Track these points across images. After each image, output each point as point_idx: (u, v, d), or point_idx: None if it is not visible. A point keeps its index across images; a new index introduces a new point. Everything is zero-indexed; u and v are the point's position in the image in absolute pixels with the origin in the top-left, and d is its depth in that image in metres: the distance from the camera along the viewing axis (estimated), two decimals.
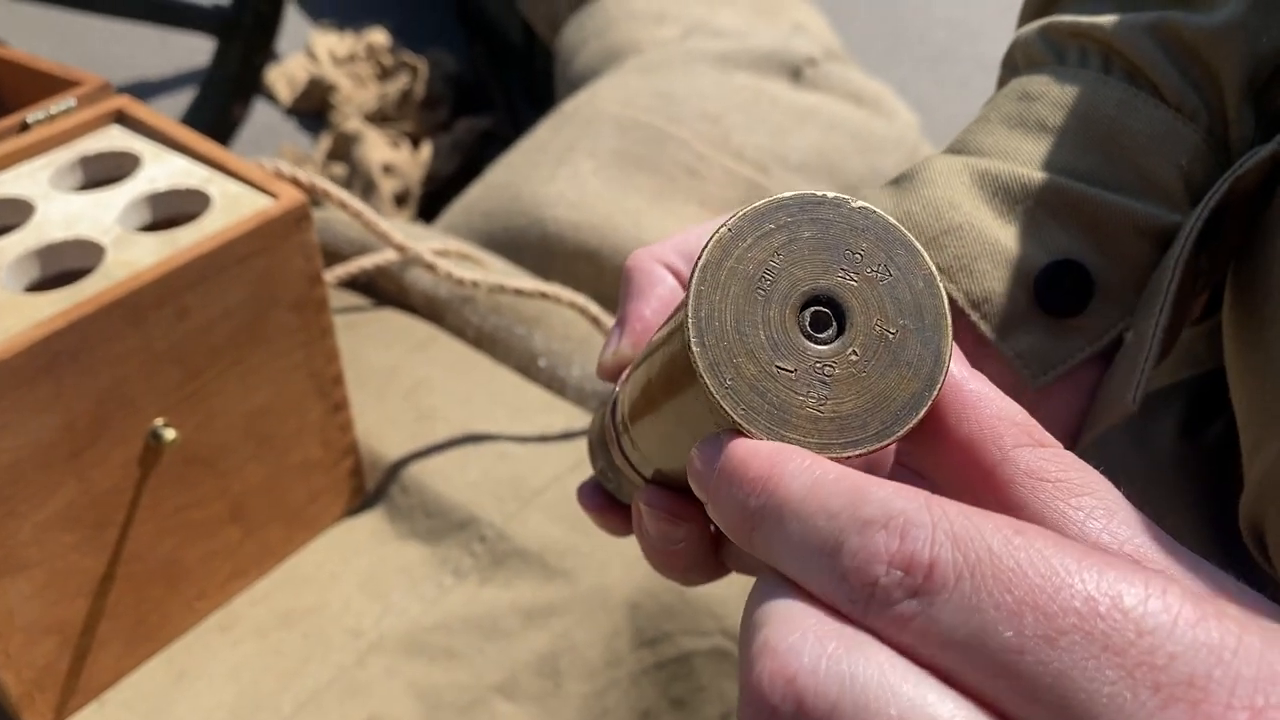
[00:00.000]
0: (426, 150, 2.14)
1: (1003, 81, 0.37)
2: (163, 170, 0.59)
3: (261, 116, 2.28)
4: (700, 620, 0.66)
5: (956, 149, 0.34)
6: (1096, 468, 0.37)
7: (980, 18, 2.51)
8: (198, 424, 0.56)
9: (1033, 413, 0.24)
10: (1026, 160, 0.31)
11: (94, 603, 0.56)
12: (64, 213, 0.56)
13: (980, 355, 0.29)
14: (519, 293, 0.70)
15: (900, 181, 0.32)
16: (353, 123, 2.15)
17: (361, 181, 1.84)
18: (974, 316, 0.28)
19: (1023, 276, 0.28)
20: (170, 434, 0.54)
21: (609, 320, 0.75)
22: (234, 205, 0.56)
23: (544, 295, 0.71)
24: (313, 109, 2.42)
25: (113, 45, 2.51)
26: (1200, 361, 0.41)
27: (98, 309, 0.50)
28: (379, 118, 2.23)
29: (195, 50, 2.47)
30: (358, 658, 0.60)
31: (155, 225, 0.58)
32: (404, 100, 2.24)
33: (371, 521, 0.68)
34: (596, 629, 0.62)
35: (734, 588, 0.69)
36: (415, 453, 0.70)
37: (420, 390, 0.75)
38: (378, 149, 2.06)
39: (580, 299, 0.73)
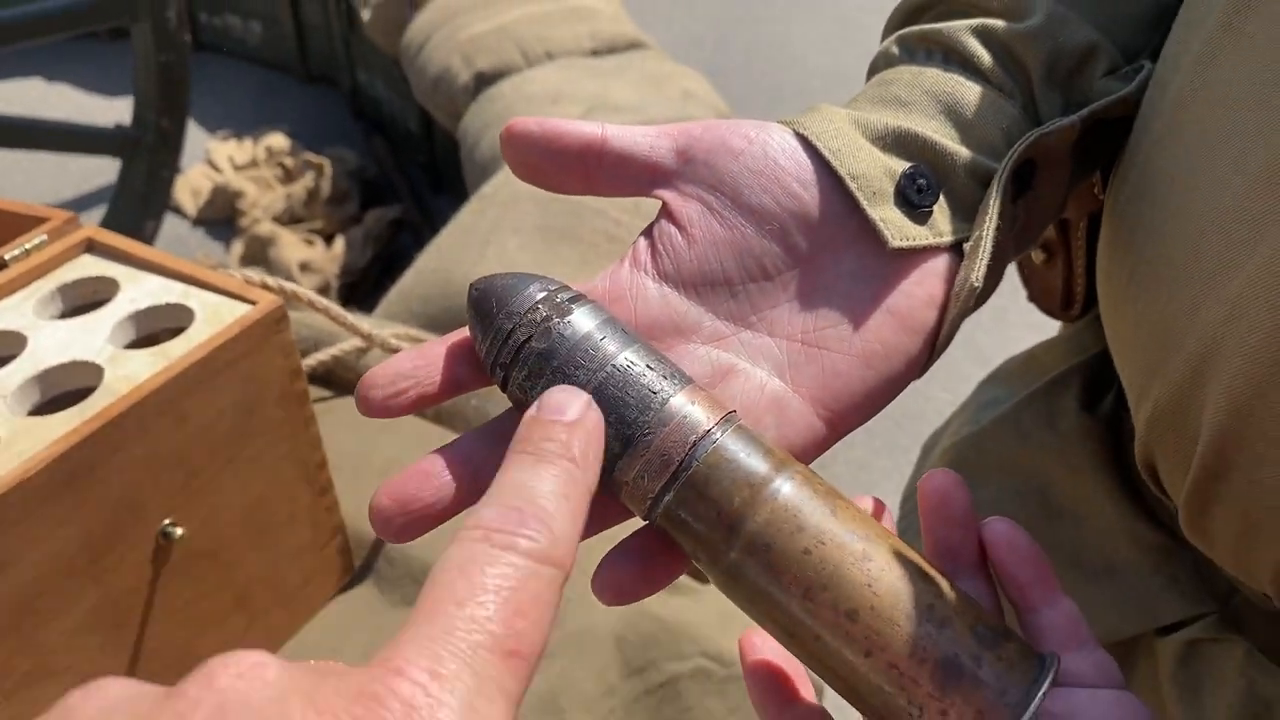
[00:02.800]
0: (340, 244, 2.18)
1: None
2: (141, 290, 0.64)
3: (170, 229, 2.30)
4: (680, 645, 0.72)
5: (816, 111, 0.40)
6: (1017, 437, 0.45)
7: (851, 65, 2.67)
8: (202, 520, 0.60)
9: (898, 281, 0.32)
10: (885, 109, 0.38)
11: None
12: (55, 339, 0.61)
13: (849, 219, 0.34)
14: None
15: (804, 116, 0.38)
16: (264, 225, 2.19)
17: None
18: (851, 186, 0.34)
19: (890, 175, 0.35)
20: (178, 531, 0.59)
21: None
22: (215, 315, 0.61)
23: None
24: (220, 216, 2.45)
25: (12, 174, 2.51)
26: (1087, 347, 0.48)
27: (107, 422, 0.54)
28: (288, 218, 2.27)
29: (95, 171, 2.49)
30: None
31: (139, 342, 0.62)
32: (311, 199, 2.29)
33: (364, 595, 0.72)
34: (589, 665, 0.68)
35: (709, 614, 0.75)
36: None
37: (393, 468, 0.80)
38: (292, 248, 2.10)
39: None
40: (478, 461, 0.30)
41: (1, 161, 2.50)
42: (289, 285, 0.66)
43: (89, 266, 0.66)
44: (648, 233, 0.34)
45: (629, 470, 0.30)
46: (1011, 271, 0.46)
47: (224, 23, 3.06)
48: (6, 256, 0.65)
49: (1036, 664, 0.28)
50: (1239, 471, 0.31)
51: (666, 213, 0.34)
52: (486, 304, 0.32)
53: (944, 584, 0.29)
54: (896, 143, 0.36)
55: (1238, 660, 0.37)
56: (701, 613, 0.74)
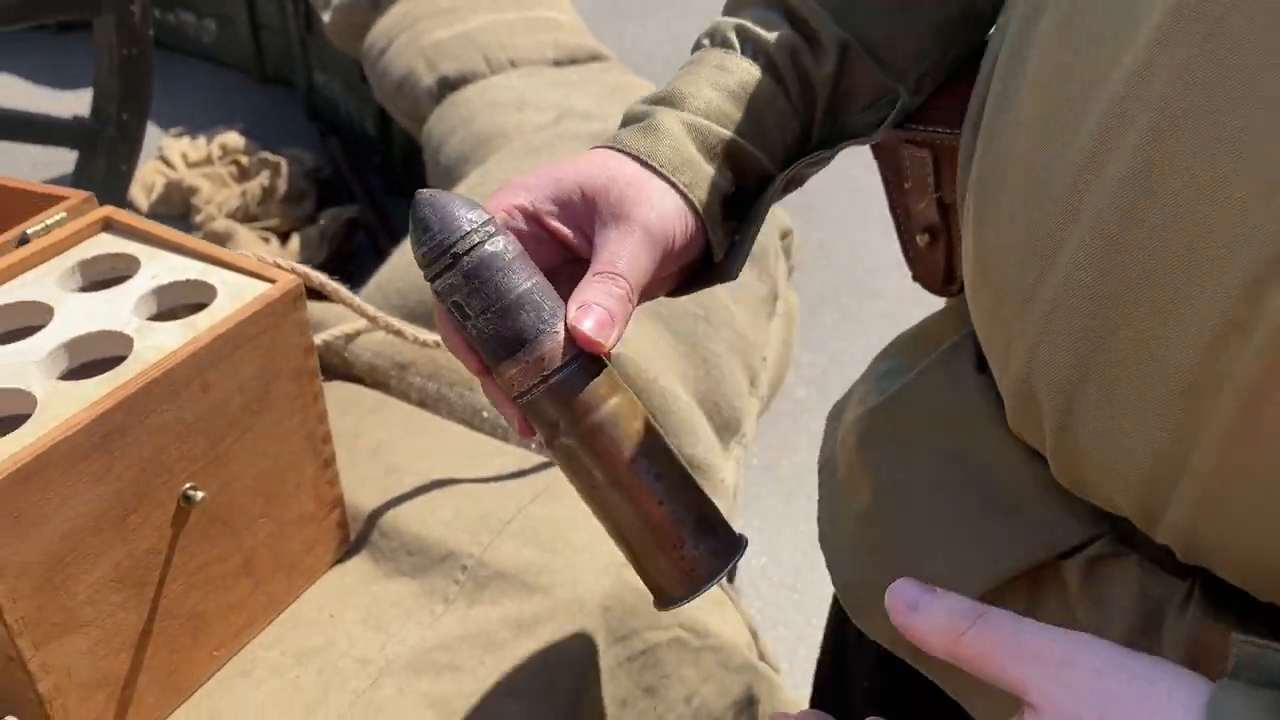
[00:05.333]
0: (295, 243, 2.20)
1: (700, 44, 0.54)
2: (161, 267, 0.67)
3: None
4: (659, 616, 0.76)
5: (673, 101, 0.50)
6: (924, 401, 0.51)
7: None
8: (219, 485, 0.64)
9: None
10: (717, 116, 0.50)
11: (135, 657, 0.62)
12: (82, 310, 0.64)
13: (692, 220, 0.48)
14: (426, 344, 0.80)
15: (645, 131, 0.49)
16: (220, 222, 2.20)
17: None
18: (698, 205, 0.48)
19: (721, 195, 0.49)
20: (198, 495, 0.62)
21: None
22: (236, 292, 0.65)
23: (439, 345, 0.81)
24: (173, 212, 2.44)
25: None
26: (969, 319, 0.55)
27: (140, 388, 0.57)
28: (243, 215, 2.28)
29: (45, 163, 2.46)
30: (371, 682, 0.68)
31: (160, 316, 0.65)
32: (266, 197, 2.30)
33: (359, 566, 0.76)
34: (576, 632, 0.72)
35: None
36: (389, 502, 0.78)
37: (383, 449, 0.83)
38: (249, 245, 2.11)
39: None
40: None
41: None
42: (300, 267, 0.70)
43: (107, 244, 0.69)
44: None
45: (512, 367, 0.43)
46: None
47: (178, 20, 3.05)
48: (28, 232, 0.68)
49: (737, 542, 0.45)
50: (1082, 429, 0.38)
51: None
52: (428, 217, 0.42)
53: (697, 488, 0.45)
54: (721, 155, 0.49)
55: (1131, 569, 0.43)
56: None
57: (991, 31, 0.48)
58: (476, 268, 0.42)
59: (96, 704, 0.61)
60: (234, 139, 2.52)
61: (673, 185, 0.47)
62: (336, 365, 0.92)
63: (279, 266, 0.69)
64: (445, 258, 0.42)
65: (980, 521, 0.47)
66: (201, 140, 2.54)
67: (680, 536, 0.43)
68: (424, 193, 0.43)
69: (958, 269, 0.56)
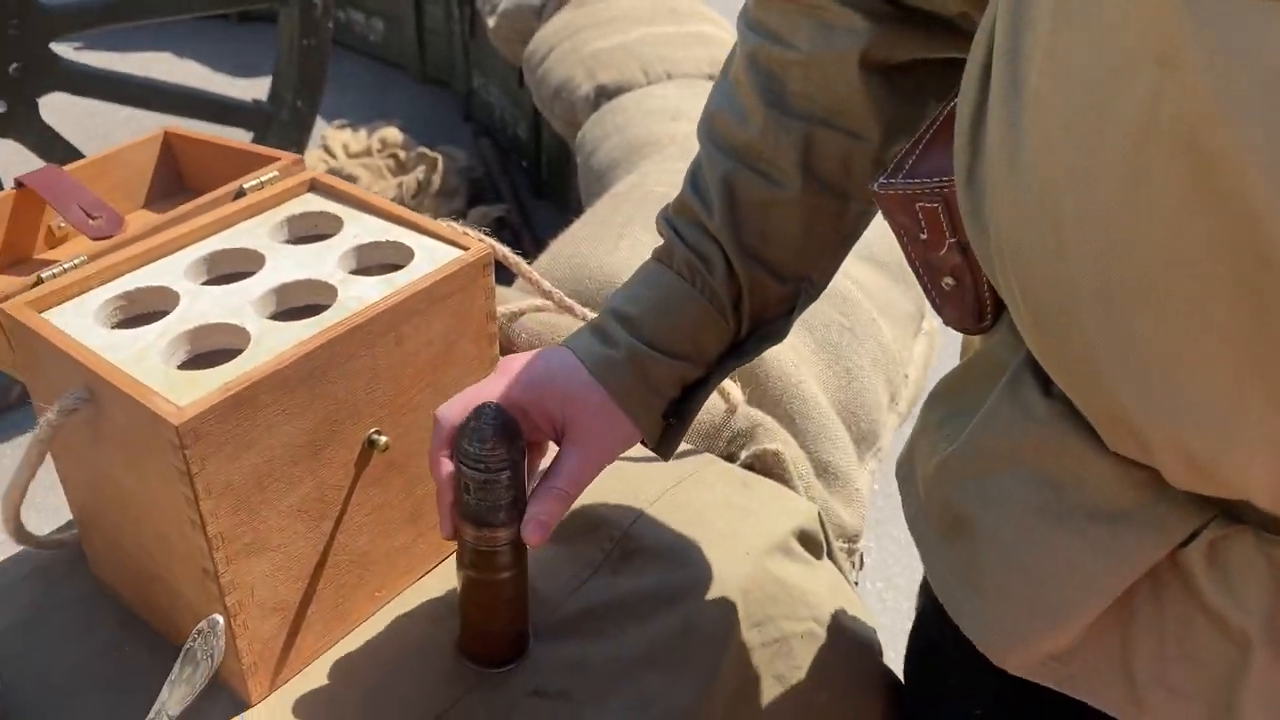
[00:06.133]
0: None
1: (658, 255, 0.69)
2: (363, 227, 0.72)
3: None
4: (796, 607, 0.78)
5: (633, 326, 0.65)
6: (1000, 436, 0.53)
7: None
8: (400, 434, 0.68)
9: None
10: (665, 344, 0.65)
11: (307, 587, 0.67)
12: (290, 261, 0.69)
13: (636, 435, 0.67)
14: None
15: (611, 365, 0.65)
16: None
17: None
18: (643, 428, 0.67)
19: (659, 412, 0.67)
20: (382, 440, 0.66)
21: None
22: (432, 255, 0.69)
23: None
24: None
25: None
26: (1017, 346, 0.54)
27: (344, 332, 0.62)
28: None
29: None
30: None
31: (359, 272, 0.70)
32: (421, 190, 2.39)
33: None
34: (715, 611, 0.74)
35: (823, 584, 0.81)
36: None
37: None
38: None
39: None
40: None
41: (126, 128, 2.64)
42: (486, 239, 0.74)
43: (313, 203, 0.75)
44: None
45: (471, 530, 0.63)
46: None
47: (348, 17, 3.20)
48: (245, 186, 0.74)
49: None
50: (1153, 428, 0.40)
51: None
52: (497, 428, 0.60)
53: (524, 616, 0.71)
54: (668, 380, 0.65)
55: (1251, 543, 0.44)
56: (817, 582, 0.80)
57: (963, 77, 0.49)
58: (493, 480, 0.61)
59: (272, 625, 0.65)
60: (393, 134, 2.63)
61: (629, 415, 0.64)
62: (500, 341, 0.96)
63: (470, 235, 0.73)
64: (485, 463, 0.60)
65: (1090, 532, 0.48)
66: (363, 133, 2.66)
67: (500, 642, 0.69)
68: (493, 408, 0.61)
69: (986, 303, 0.57)
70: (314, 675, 0.69)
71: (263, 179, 0.75)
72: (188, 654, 0.53)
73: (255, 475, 0.60)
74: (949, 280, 0.55)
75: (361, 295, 0.65)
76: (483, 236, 0.73)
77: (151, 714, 0.52)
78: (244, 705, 0.67)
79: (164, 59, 3.15)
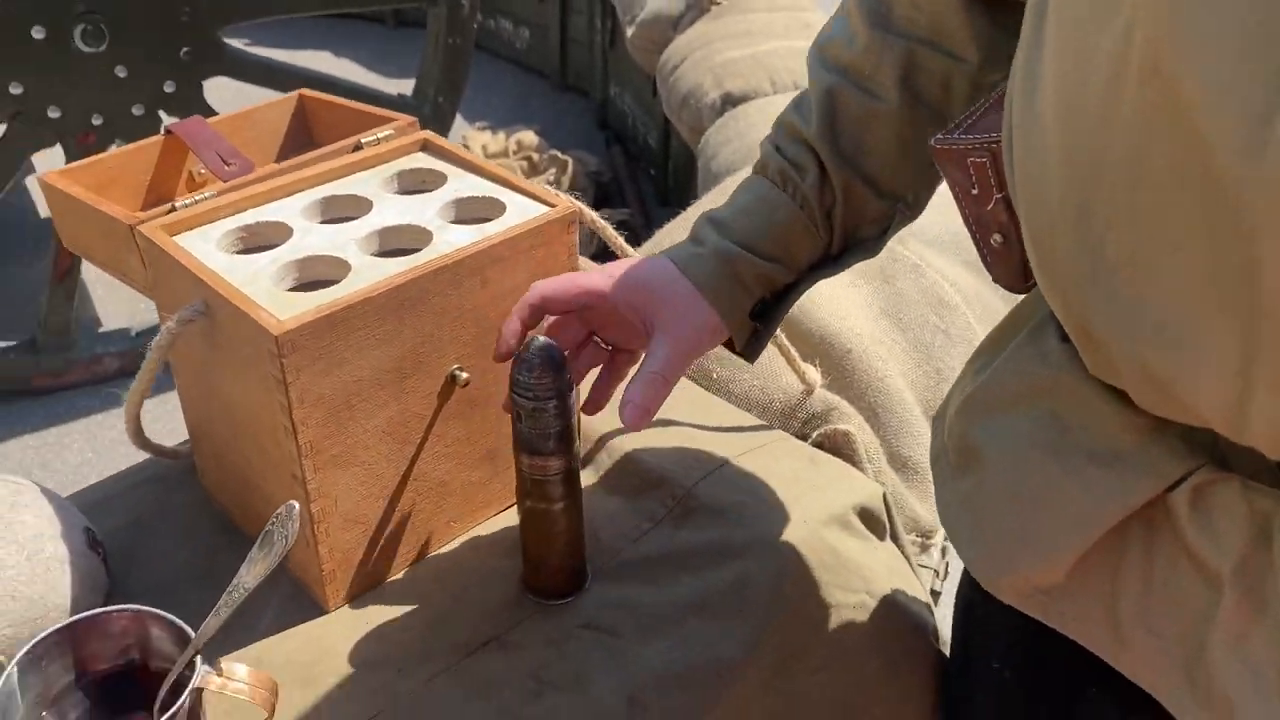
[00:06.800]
0: None
1: (758, 167, 0.72)
2: (463, 184, 0.78)
3: None
4: (850, 579, 0.80)
5: (726, 230, 0.69)
6: (1017, 378, 0.56)
7: None
8: (480, 372, 0.73)
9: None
10: (758, 245, 0.68)
11: (387, 506, 0.73)
12: (395, 208, 0.75)
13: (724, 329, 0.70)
14: None
15: (699, 259, 0.69)
16: None
17: None
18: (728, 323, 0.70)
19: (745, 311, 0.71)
20: (463, 375, 0.71)
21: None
22: (522, 210, 0.74)
23: None
24: None
25: None
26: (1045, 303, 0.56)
27: (434, 270, 0.67)
28: None
29: None
30: None
31: (457, 222, 0.75)
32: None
33: (582, 477, 0.83)
34: (768, 571, 0.76)
35: (880, 563, 0.82)
36: (619, 430, 0.86)
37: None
38: None
39: None
40: None
41: None
42: (579, 204, 0.78)
43: (422, 161, 0.81)
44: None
45: (525, 456, 0.69)
46: None
47: (496, 25, 3.33)
48: (362, 141, 0.80)
49: None
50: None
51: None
52: (547, 362, 0.65)
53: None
54: (755, 279, 0.68)
55: (1236, 490, 0.46)
56: (874, 558, 0.82)
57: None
58: (541, 408, 0.66)
59: (351, 537, 0.71)
60: (529, 137, 2.73)
61: (713, 306, 0.67)
62: None
63: (560, 197, 0.78)
64: (533, 391, 0.65)
65: (1086, 471, 0.50)
66: (501, 135, 2.77)
67: (557, 576, 0.73)
68: (542, 340, 0.65)
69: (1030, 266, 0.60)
70: (388, 591, 0.74)
71: (379, 135, 0.81)
72: (266, 536, 0.58)
73: (344, 392, 0.66)
74: (998, 237, 0.57)
75: (453, 240, 0.71)
76: (573, 200, 0.78)
77: (231, 586, 0.58)
78: (323, 610, 0.73)
79: (323, 57, 3.34)
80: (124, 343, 2.20)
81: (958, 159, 0.57)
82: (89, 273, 2.29)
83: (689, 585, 0.75)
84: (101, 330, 2.32)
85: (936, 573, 1.07)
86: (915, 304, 1.15)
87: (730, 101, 2.01)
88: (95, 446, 2.09)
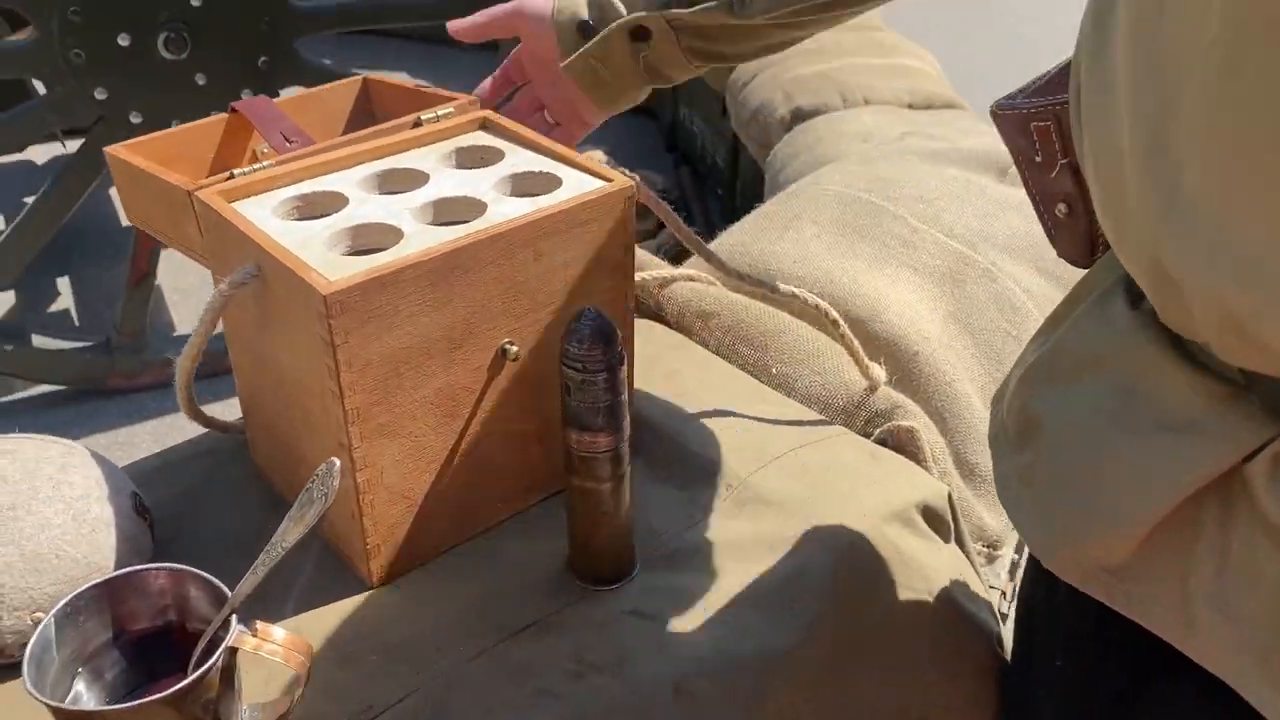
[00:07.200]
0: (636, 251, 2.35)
1: None
2: (520, 159, 0.77)
3: None
4: (911, 578, 0.76)
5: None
6: (1082, 346, 0.50)
7: None
8: (532, 349, 0.72)
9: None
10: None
11: (434, 480, 0.71)
12: (451, 181, 0.74)
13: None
14: (774, 290, 0.85)
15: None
16: None
17: None
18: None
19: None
20: (514, 349, 0.70)
21: (845, 328, 0.89)
22: (579, 185, 0.73)
23: (795, 296, 0.85)
24: None
25: None
26: (1115, 268, 0.53)
27: (486, 238, 0.66)
28: None
29: None
30: None
31: (513, 197, 0.74)
32: None
33: (634, 464, 0.81)
34: (823, 565, 0.73)
35: (944, 565, 0.79)
36: (674, 419, 0.84)
37: (676, 376, 0.89)
38: None
39: (823, 304, 0.86)
40: None
41: None
42: (643, 187, 0.77)
43: (481, 139, 0.80)
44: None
45: (573, 432, 0.67)
46: None
47: None
48: (422, 118, 0.80)
49: None
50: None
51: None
52: (600, 333, 0.64)
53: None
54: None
55: None
56: (937, 559, 0.79)
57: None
58: (590, 381, 0.64)
59: (397, 511, 0.70)
60: (599, 156, 2.74)
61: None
62: (649, 306, 1.00)
63: (620, 174, 0.76)
64: (583, 363, 0.64)
65: (1156, 440, 0.47)
66: None
67: (603, 560, 0.72)
68: (593, 310, 0.64)
69: (1098, 237, 0.57)
70: (433, 569, 0.73)
71: (439, 113, 0.81)
72: (305, 493, 0.57)
73: (393, 359, 0.65)
74: (1062, 207, 0.55)
75: (508, 212, 0.70)
76: (633, 177, 0.76)
77: (269, 545, 0.57)
78: (365, 585, 0.71)
79: (400, 79, 3.39)
80: None
81: (1020, 124, 0.55)
82: (164, 279, 2.34)
83: (739, 574, 0.72)
84: (175, 335, 2.36)
85: (1004, 594, 1.02)
86: (985, 309, 1.12)
87: (799, 116, 1.99)
88: (163, 445, 2.12)
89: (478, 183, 0.74)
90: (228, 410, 0.81)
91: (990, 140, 1.44)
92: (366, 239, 0.69)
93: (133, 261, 2.12)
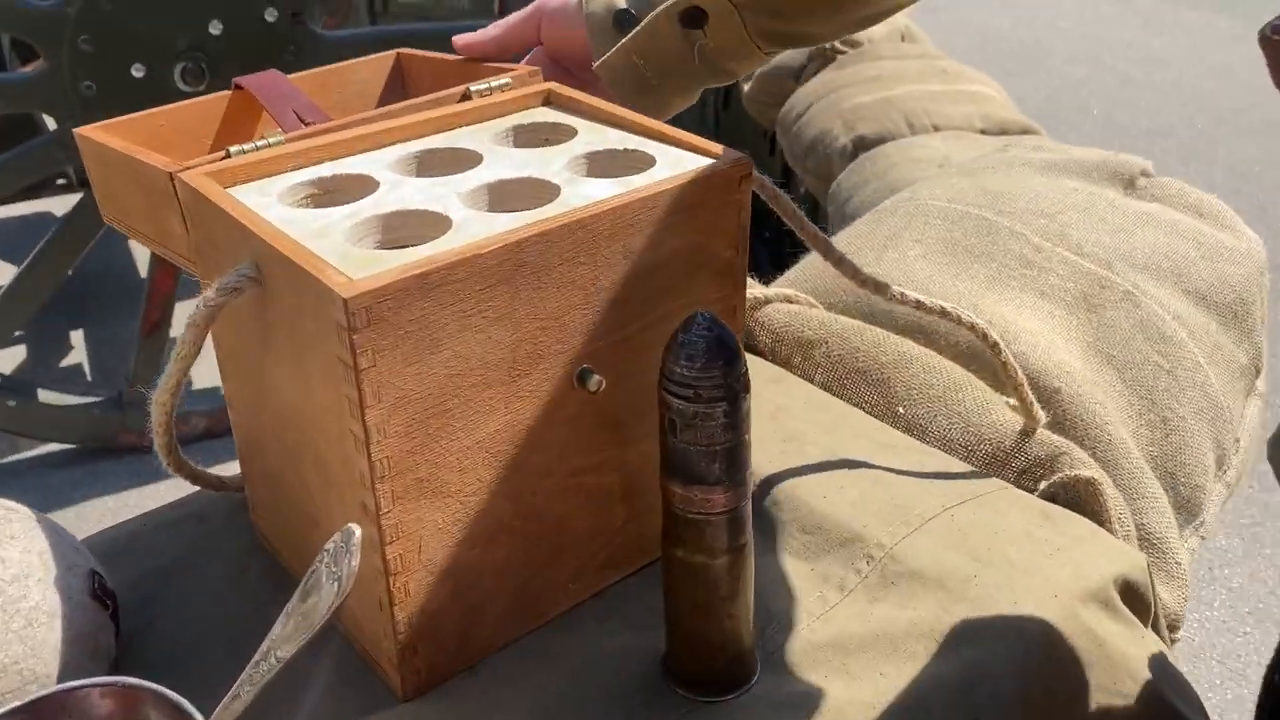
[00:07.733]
0: None
1: None
2: (598, 137, 0.60)
3: None
4: (1118, 677, 0.58)
5: None
6: None
7: None
8: (618, 376, 0.54)
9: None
10: None
11: (487, 554, 0.53)
12: (510, 161, 0.57)
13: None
14: (919, 305, 0.67)
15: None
16: None
17: None
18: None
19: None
20: (597, 378, 0.52)
21: (1003, 346, 0.71)
22: (678, 163, 0.56)
23: (946, 313, 0.67)
24: None
25: None
26: None
27: (560, 226, 0.49)
28: None
29: None
30: None
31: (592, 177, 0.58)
32: None
33: None
34: (1008, 664, 0.55)
35: (1149, 653, 0.60)
36: (787, 470, 0.66)
37: (782, 415, 0.72)
38: None
39: (980, 322, 0.68)
40: None
41: None
42: (764, 178, 0.60)
43: (546, 115, 0.63)
44: None
45: (678, 485, 0.49)
46: None
47: None
48: (471, 89, 0.63)
49: None
50: None
51: None
52: (718, 346, 0.46)
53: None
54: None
55: None
56: (1142, 649, 0.60)
57: None
58: (705, 413, 0.47)
59: (440, 597, 0.52)
60: None
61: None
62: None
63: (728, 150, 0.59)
64: (695, 388, 0.46)
65: None
66: None
67: (715, 661, 0.53)
68: (708, 316, 0.47)
69: None
70: (484, 675, 0.55)
71: (492, 84, 0.64)
72: (311, 577, 0.40)
73: (438, 391, 0.48)
74: None
75: (588, 194, 0.53)
76: (764, 181, 0.60)
77: (258, 655, 0.40)
78: (395, 698, 0.53)
79: None
80: (213, 401, 2.08)
81: None
82: (180, 328, 2.19)
83: (894, 680, 0.54)
84: (194, 389, 2.21)
85: None
86: (1130, 338, 0.93)
87: (862, 146, 1.83)
88: None
89: (545, 163, 0.57)
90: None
91: (1105, 151, 1.27)
92: (403, 230, 0.52)
93: (146, 309, 1.98)
